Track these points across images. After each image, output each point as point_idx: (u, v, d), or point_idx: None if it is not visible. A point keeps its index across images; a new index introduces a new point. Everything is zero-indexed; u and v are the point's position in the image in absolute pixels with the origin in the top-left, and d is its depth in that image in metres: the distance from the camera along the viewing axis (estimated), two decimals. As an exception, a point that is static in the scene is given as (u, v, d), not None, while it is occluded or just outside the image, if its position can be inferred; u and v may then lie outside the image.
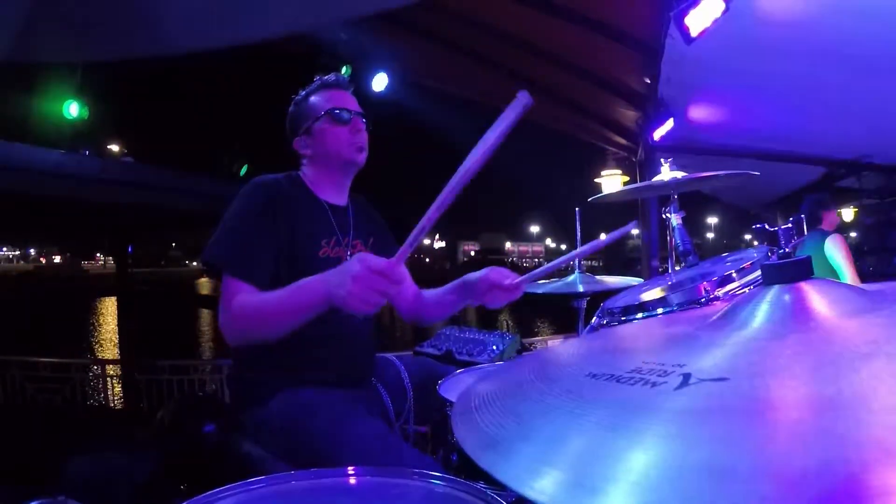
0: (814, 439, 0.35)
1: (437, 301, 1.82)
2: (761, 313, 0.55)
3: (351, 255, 1.65)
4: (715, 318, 0.61)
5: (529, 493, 0.37)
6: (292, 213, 1.58)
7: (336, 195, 1.73)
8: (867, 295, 0.58)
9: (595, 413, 0.46)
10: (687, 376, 0.47)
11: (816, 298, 0.54)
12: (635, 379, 0.49)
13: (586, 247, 1.75)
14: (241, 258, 1.48)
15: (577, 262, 2.55)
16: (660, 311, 1.42)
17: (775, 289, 0.58)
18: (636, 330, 0.68)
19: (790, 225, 0.60)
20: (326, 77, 1.74)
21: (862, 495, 0.30)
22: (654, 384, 0.48)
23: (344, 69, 5.65)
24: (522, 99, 1.03)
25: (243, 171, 9.84)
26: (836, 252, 3.84)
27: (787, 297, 0.55)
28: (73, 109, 6.23)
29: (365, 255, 1.22)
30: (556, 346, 0.68)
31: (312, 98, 1.71)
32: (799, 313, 0.53)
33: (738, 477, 0.34)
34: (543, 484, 0.38)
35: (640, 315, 1.46)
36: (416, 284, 1.90)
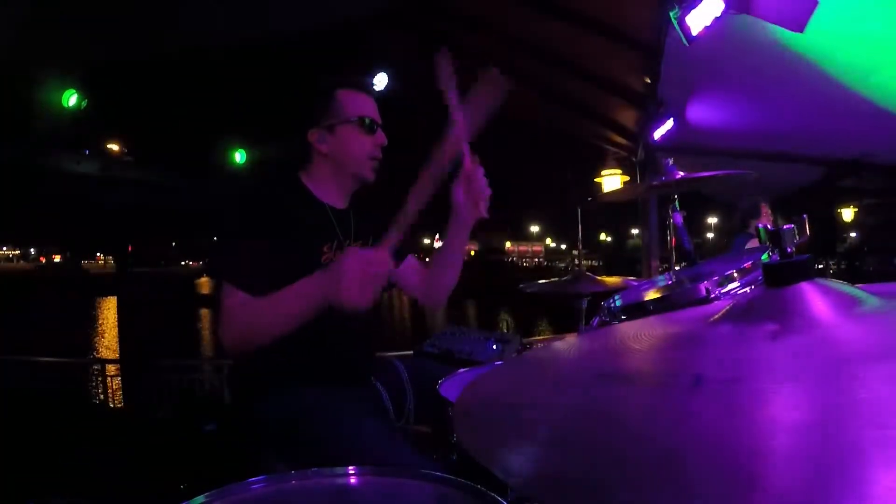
0: (826, 444, 0.35)
1: (439, 261, 1.80)
2: (764, 314, 0.55)
3: None
4: (717, 317, 0.61)
5: (532, 495, 0.37)
6: (292, 220, 1.57)
7: (338, 198, 1.72)
8: (867, 296, 0.58)
9: (605, 414, 0.45)
10: (698, 377, 0.47)
11: (818, 299, 0.54)
12: (644, 380, 0.49)
13: None
14: (240, 268, 1.48)
15: (578, 261, 2.55)
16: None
17: (777, 289, 0.58)
18: (638, 329, 0.68)
19: (791, 225, 0.60)
20: (358, 78, 1.72)
21: (868, 497, 0.30)
22: (664, 385, 0.47)
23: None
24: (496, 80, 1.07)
25: (242, 158, 9.72)
26: None
27: (789, 298, 0.55)
28: (72, 101, 6.20)
29: (351, 249, 1.26)
30: (558, 344, 0.68)
31: (342, 95, 1.67)
32: (801, 314, 0.53)
33: (757, 484, 0.33)
34: (547, 486, 0.37)
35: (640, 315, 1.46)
36: (418, 264, 1.91)
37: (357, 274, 1.25)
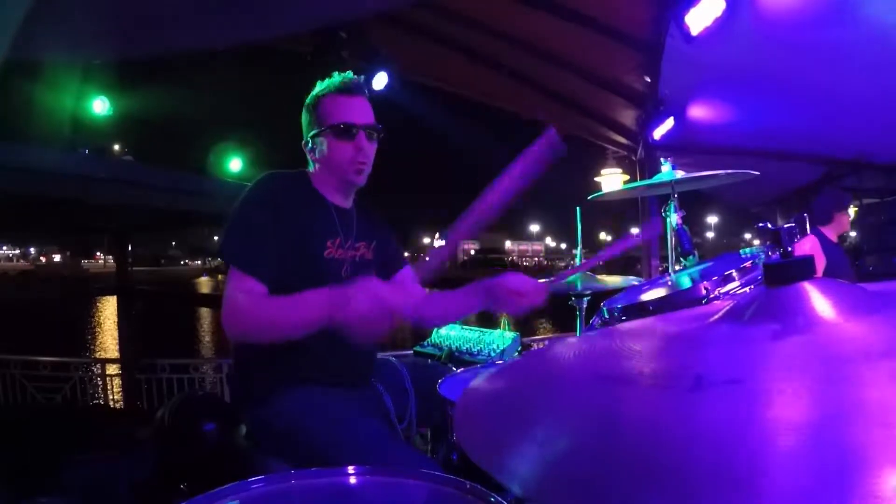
0: (830, 443, 0.35)
1: (445, 305, 1.75)
2: (764, 314, 0.55)
3: (354, 258, 1.66)
4: (717, 318, 0.60)
5: (531, 496, 0.37)
6: (299, 211, 1.59)
7: (341, 199, 1.73)
8: (868, 295, 0.58)
9: (606, 416, 0.45)
10: (699, 378, 0.46)
11: (819, 298, 0.54)
12: (644, 381, 0.49)
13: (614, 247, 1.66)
14: (247, 251, 1.49)
15: (576, 261, 2.55)
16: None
17: (777, 289, 0.57)
18: (637, 330, 0.67)
19: (793, 223, 0.60)
20: (340, 81, 1.67)
21: (873, 497, 0.30)
22: (665, 386, 0.47)
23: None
24: (551, 138, 1.07)
25: (240, 168, 9.82)
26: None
27: (789, 297, 0.55)
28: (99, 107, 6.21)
29: (366, 280, 1.24)
30: (557, 345, 0.67)
31: (324, 102, 1.66)
32: (802, 313, 0.53)
33: (761, 484, 0.33)
34: (547, 487, 0.37)
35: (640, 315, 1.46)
36: (421, 287, 1.83)
37: (367, 311, 1.23)
